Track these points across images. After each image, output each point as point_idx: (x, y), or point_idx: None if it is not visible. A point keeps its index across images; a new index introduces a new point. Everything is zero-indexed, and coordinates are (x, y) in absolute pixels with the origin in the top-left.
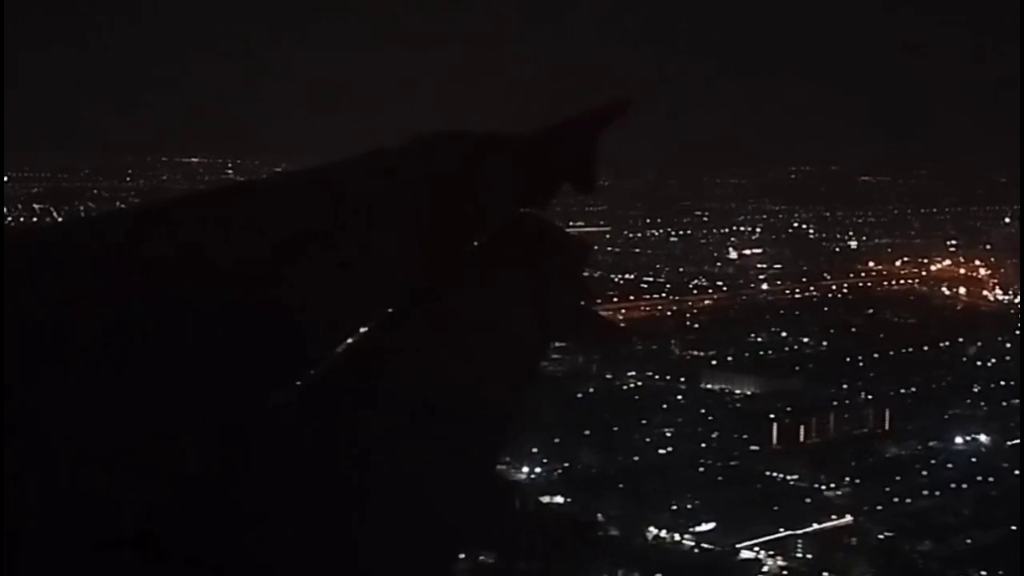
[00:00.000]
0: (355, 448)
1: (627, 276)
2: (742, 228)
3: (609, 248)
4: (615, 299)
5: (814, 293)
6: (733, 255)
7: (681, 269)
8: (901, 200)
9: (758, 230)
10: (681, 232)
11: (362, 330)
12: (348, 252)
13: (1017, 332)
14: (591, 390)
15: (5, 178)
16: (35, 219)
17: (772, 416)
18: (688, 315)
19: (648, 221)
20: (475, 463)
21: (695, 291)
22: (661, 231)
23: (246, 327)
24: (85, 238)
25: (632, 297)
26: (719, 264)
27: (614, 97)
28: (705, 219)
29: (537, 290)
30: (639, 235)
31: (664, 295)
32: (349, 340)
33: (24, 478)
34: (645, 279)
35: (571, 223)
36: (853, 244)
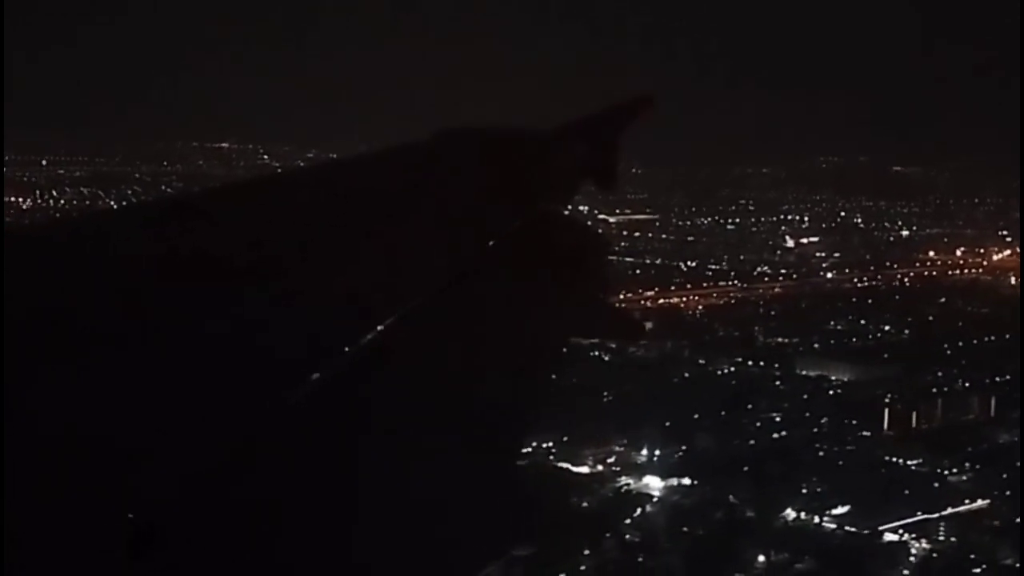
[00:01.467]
0: (369, 446)
1: (690, 263)
2: (789, 217)
3: (664, 236)
4: (688, 286)
5: (880, 282)
6: (790, 243)
7: (742, 257)
8: (940, 191)
9: (806, 219)
10: (730, 221)
11: (379, 327)
12: (365, 248)
13: None
14: (686, 375)
15: (44, 161)
16: (87, 203)
17: (879, 402)
18: (762, 302)
19: (694, 210)
20: (492, 461)
21: (766, 279)
22: (710, 219)
23: (260, 322)
24: (101, 232)
25: (705, 284)
26: (779, 252)
27: (638, 93)
28: (751, 208)
29: (556, 287)
30: (688, 223)
31: (732, 282)
32: (365, 337)
33: (29, 474)
34: (709, 266)
35: (616, 210)
36: (905, 234)
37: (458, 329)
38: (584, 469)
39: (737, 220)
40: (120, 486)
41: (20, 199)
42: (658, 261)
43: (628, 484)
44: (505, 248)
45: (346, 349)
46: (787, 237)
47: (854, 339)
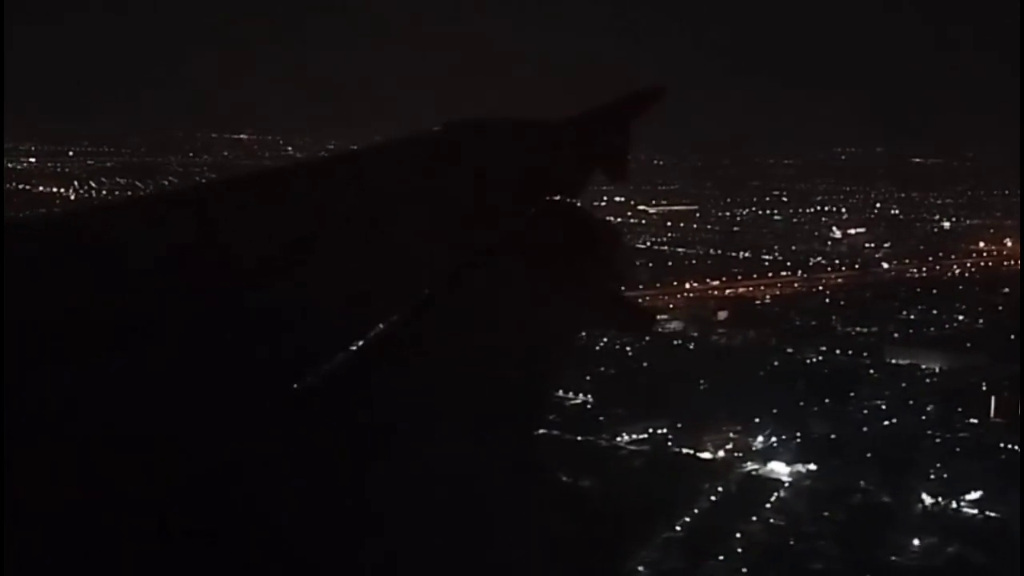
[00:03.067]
0: (379, 437)
1: (744, 254)
2: (826, 208)
3: (709, 227)
4: (755, 275)
5: (939, 272)
6: (837, 234)
7: (793, 247)
8: (967, 182)
9: (843, 210)
10: (768, 211)
11: (390, 318)
12: (377, 239)
13: None
14: (775, 363)
15: (71, 152)
16: (129, 193)
17: (976, 390)
18: (828, 292)
19: (728, 200)
20: (506, 451)
21: (829, 269)
22: (748, 210)
23: (268, 315)
24: (106, 226)
25: (770, 274)
26: (829, 243)
27: (649, 85)
28: (784, 200)
29: (567, 278)
30: (727, 214)
31: (791, 272)
32: (377, 328)
33: (39, 465)
34: (763, 256)
35: (653, 201)
36: (946, 225)
37: (470, 316)
38: (706, 455)
39: (775, 211)
40: (139, 478)
41: (61, 190)
42: (711, 251)
43: (756, 469)
44: (516, 237)
45: (360, 338)
46: (833, 228)
47: (931, 328)
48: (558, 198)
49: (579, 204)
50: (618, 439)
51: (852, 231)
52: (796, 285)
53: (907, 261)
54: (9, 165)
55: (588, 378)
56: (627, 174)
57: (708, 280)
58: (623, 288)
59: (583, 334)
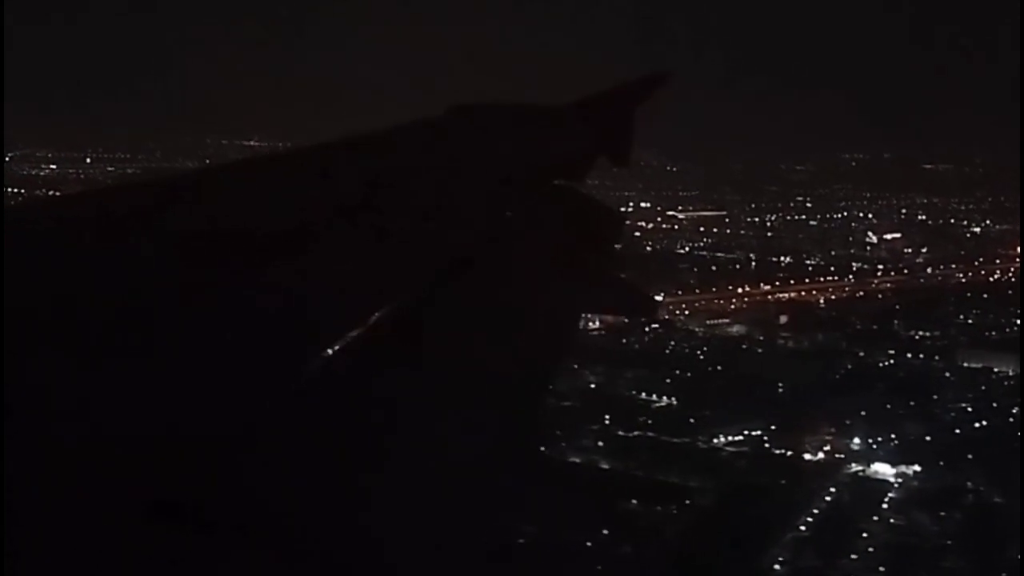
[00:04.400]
0: (389, 418)
1: (785, 259)
2: (854, 213)
3: (742, 232)
4: (806, 280)
5: (984, 277)
6: (873, 239)
7: (832, 252)
8: (982, 187)
9: (870, 216)
10: (797, 216)
11: (394, 305)
12: (383, 224)
13: None
14: (849, 366)
15: (87, 159)
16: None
17: None
18: (881, 296)
19: (753, 206)
20: (511, 433)
21: (879, 273)
22: (775, 216)
23: (280, 297)
24: (118, 210)
25: (821, 278)
26: (867, 248)
27: (653, 70)
28: (809, 205)
29: (570, 261)
30: (755, 219)
31: (838, 277)
32: (384, 311)
33: (60, 452)
34: (807, 261)
35: (679, 207)
36: (977, 230)
37: (475, 301)
38: (807, 456)
39: (803, 216)
40: (145, 462)
41: None
42: (751, 256)
43: (861, 471)
44: (519, 222)
45: (363, 326)
46: (869, 233)
47: (992, 332)
48: (561, 182)
49: (582, 187)
50: (714, 441)
51: (888, 236)
52: (847, 289)
53: (953, 266)
54: (32, 172)
55: (668, 381)
56: (630, 159)
57: (760, 284)
58: (622, 272)
59: (589, 317)
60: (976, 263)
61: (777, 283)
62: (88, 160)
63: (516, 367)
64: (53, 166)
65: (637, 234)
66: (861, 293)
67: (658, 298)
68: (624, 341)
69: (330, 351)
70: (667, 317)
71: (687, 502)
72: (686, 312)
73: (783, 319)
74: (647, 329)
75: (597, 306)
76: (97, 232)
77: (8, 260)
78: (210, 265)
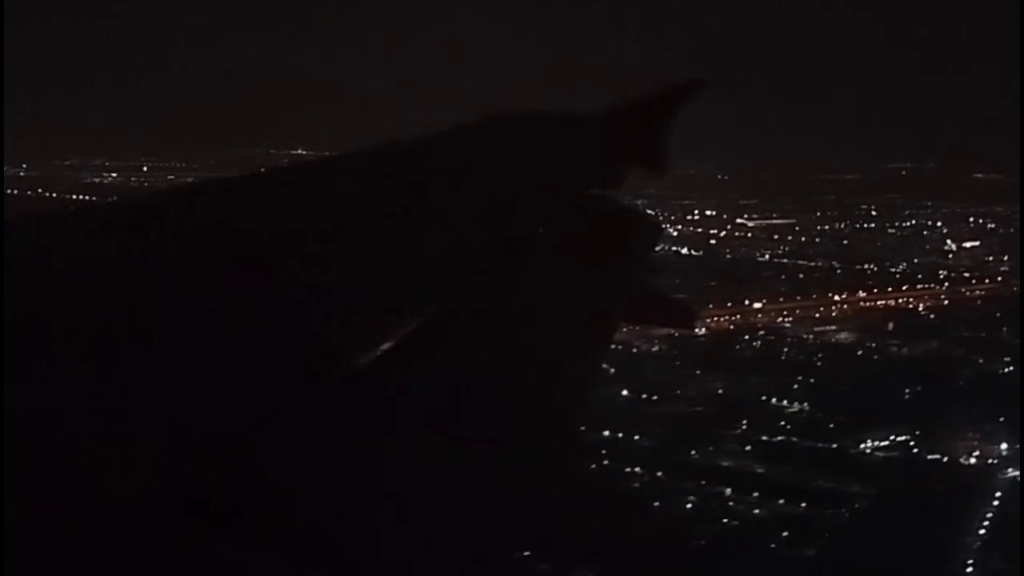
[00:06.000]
0: (415, 424)
1: (869, 266)
2: (922, 222)
3: (817, 240)
4: (904, 287)
5: None
6: (953, 247)
7: (915, 260)
8: None
9: (938, 223)
10: (865, 225)
11: (423, 311)
12: (418, 230)
13: None
14: (971, 374)
15: (145, 167)
16: None
17: None
18: (979, 303)
19: (819, 215)
20: (544, 442)
21: (973, 281)
22: (843, 224)
23: (300, 305)
24: (138, 214)
25: (919, 286)
26: (949, 256)
27: (690, 76)
28: (874, 213)
29: (606, 271)
30: (825, 227)
31: (930, 284)
32: (412, 313)
33: (77, 450)
34: (891, 269)
35: (747, 215)
36: None
37: (507, 310)
38: (962, 461)
39: (872, 224)
40: (170, 462)
41: None
42: (834, 264)
43: (1018, 476)
44: (553, 231)
45: (396, 327)
46: (948, 241)
47: None
48: (597, 191)
49: (617, 196)
50: (861, 446)
51: (967, 244)
52: (943, 297)
53: None
54: (94, 180)
55: (795, 387)
56: (666, 168)
57: (856, 292)
58: (658, 281)
59: (622, 327)
60: None
61: (873, 290)
62: (145, 168)
63: (543, 374)
64: (114, 174)
65: (712, 242)
66: (959, 300)
67: (757, 305)
68: (737, 347)
69: (355, 349)
70: (774, 324)
71: (856, 506)
72: (789, 319)
73: (890, 326)
74: (746, 337)
75: (632, 316)
76: (141, 231)
77: (51, 260)
78: (250, 265)
